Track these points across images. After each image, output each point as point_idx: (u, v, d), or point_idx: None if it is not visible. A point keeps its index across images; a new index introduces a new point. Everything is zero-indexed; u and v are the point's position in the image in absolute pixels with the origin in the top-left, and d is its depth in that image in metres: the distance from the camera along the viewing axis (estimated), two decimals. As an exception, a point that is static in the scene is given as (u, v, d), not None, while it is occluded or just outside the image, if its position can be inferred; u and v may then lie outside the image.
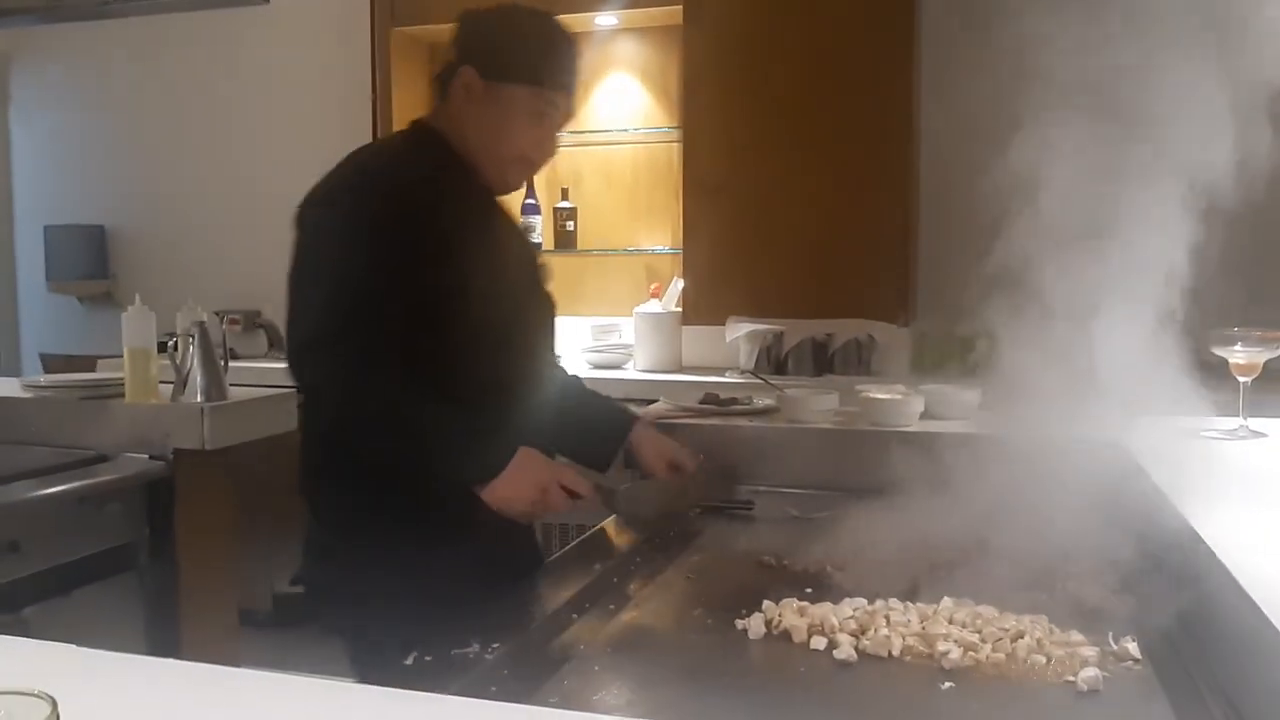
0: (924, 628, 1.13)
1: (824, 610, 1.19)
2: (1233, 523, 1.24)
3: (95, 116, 4.78)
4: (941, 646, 1.07)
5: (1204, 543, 1.18)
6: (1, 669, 0.84)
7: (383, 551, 1.47)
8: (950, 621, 1.15)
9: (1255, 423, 1.86)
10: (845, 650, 1.10)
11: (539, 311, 1.71)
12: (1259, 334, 1.79)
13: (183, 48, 4.51)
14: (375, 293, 1.41)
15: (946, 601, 1.21)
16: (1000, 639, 1.10)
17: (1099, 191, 1.47)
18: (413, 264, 1.43)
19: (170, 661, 0.86)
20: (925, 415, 2.02)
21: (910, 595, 1.24)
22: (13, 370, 4.80)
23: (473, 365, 1.50)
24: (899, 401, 1.99)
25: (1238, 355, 1.82)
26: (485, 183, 1.61)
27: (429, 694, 0.81)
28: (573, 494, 1.49)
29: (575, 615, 1.26)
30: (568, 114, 1.62)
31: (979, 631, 1.12)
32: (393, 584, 1.43)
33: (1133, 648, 1.11)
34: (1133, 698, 1.03)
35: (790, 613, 1.20)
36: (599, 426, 1.78)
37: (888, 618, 1.16)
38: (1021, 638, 1.10)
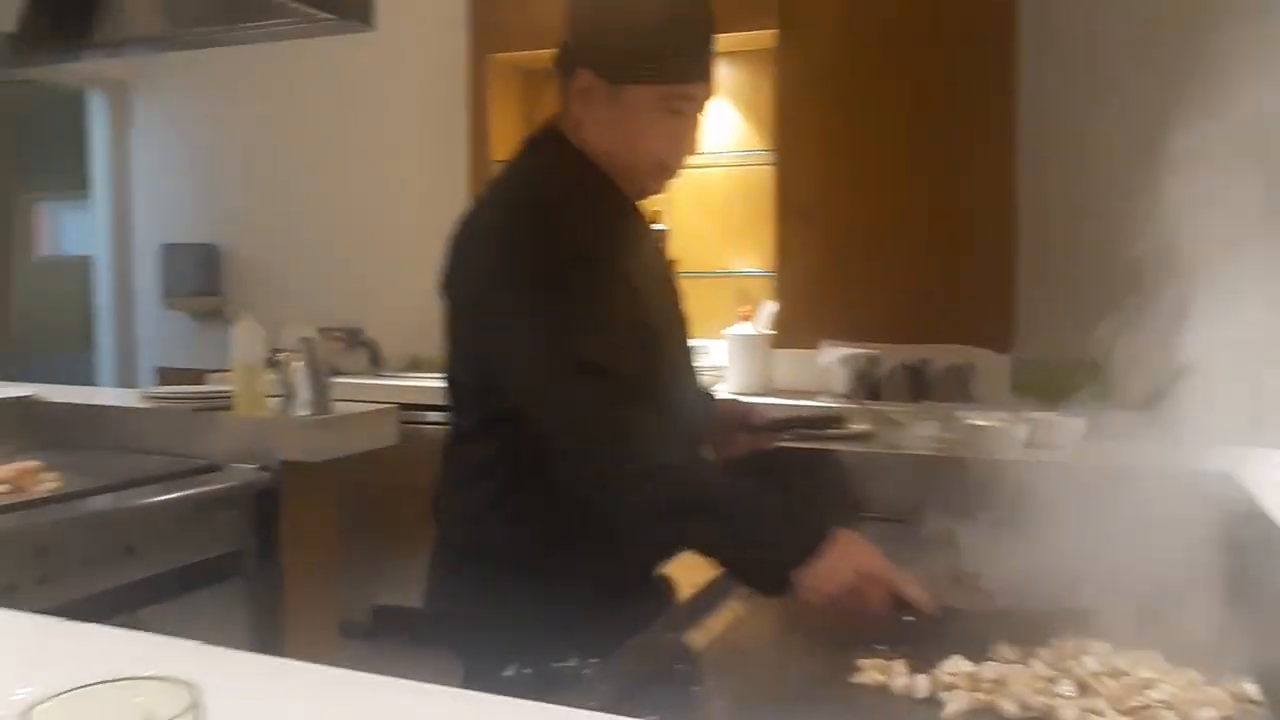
0: (1043, 684, 1.07)
1: (933, 674, 1.11)
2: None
3: (209, 140, 5.00)
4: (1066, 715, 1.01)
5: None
6: (132, 660, 0.89)
7: (524, 576, 1.39)
8: (1063, 671, 1.09)
9: (1380, 457, 1.78)
10: (951, 710, 1.04)
11: (682, 324, 1.61)
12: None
13: (290, 73, 4.68)
14: (601, 337, 1.30)
15: (1059, 647, 1.16)
16: (1119, 695, 1.03)
17: (1209, 215, 1.43)
18: (599, 300, 1.33)
19: (293, 662, 0.90)
20: (1028, 444, 1.98)
21: (1015, 633, 1.21)
22: (131, 382, 5.02)
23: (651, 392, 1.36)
24: (1001, 429, 1.96)
25: (1361, 386, 1.74)
26: (623, 191, 1.47)
27: (534, 703, 0.83)
28: (902, 602, 1.26)
29: (673, 634, 1.26)
30: (707, 99, 1.43)
31: (1099, 684, 1.06)
32: (520, 606, 1.37)
33: (1251, 689, 1.07)
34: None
35: (897, 674, 1.11)
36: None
37: (1000, 679, 1.08)
38: (1145, 689, 1.03)
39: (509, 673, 1.19)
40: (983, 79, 3.33)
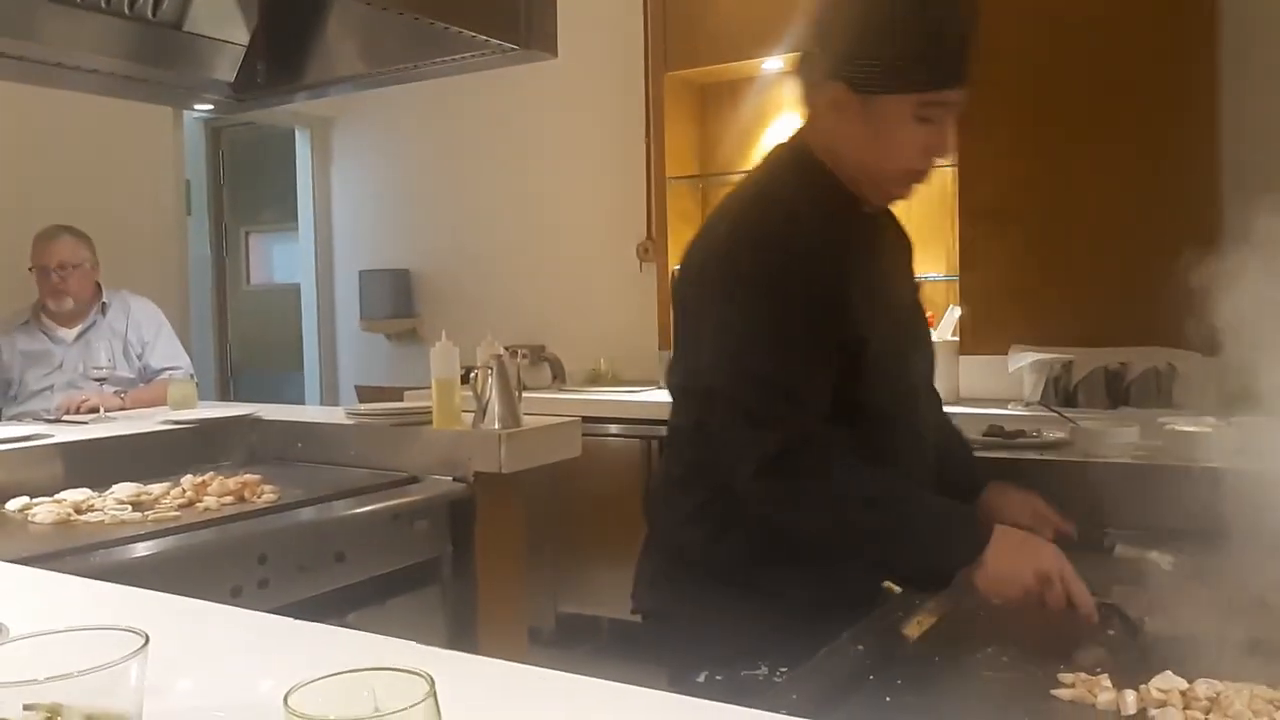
0: (1263, 705, 1.00)
1: (1141, 690, 1.06)
2: None
3: (401, 171, 5.28)
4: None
5: None
6: (352, 657, 0.96)
7: (740, 589, 1.40)
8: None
9: None
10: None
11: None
12: None
13: (475, 103, 4.90)
14: (817, 362, 1.32)
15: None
16: None
17: None
18: (837, 321, 1.34)
19: (502, 662, 0.94)
20: (1239, 450, 1.85)
21: (1228, 650, 1.14)
22: (332, 400, 5.35)
23: (883, 405, 1.40)
24: (1208, 435, 1.84)
25: None
26: (867, 201, 1.46)
27: (728, 705, 0.84)
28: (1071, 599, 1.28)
29: (861, 646, 1.25)
30: (961, 102, 1.38)
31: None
32: (725, 616, 1.38)
33: None
34: None
35: (1102, 688, 1.08)
36: (958, 474, 1.59)
37: (1215, 699, 1.02)
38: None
39: (700, 679, 1.21)
40: (1181, 70, 3.14)
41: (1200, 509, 1.62)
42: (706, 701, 0.84)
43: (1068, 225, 3.29)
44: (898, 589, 1.42)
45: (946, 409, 3.19)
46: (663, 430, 4.09)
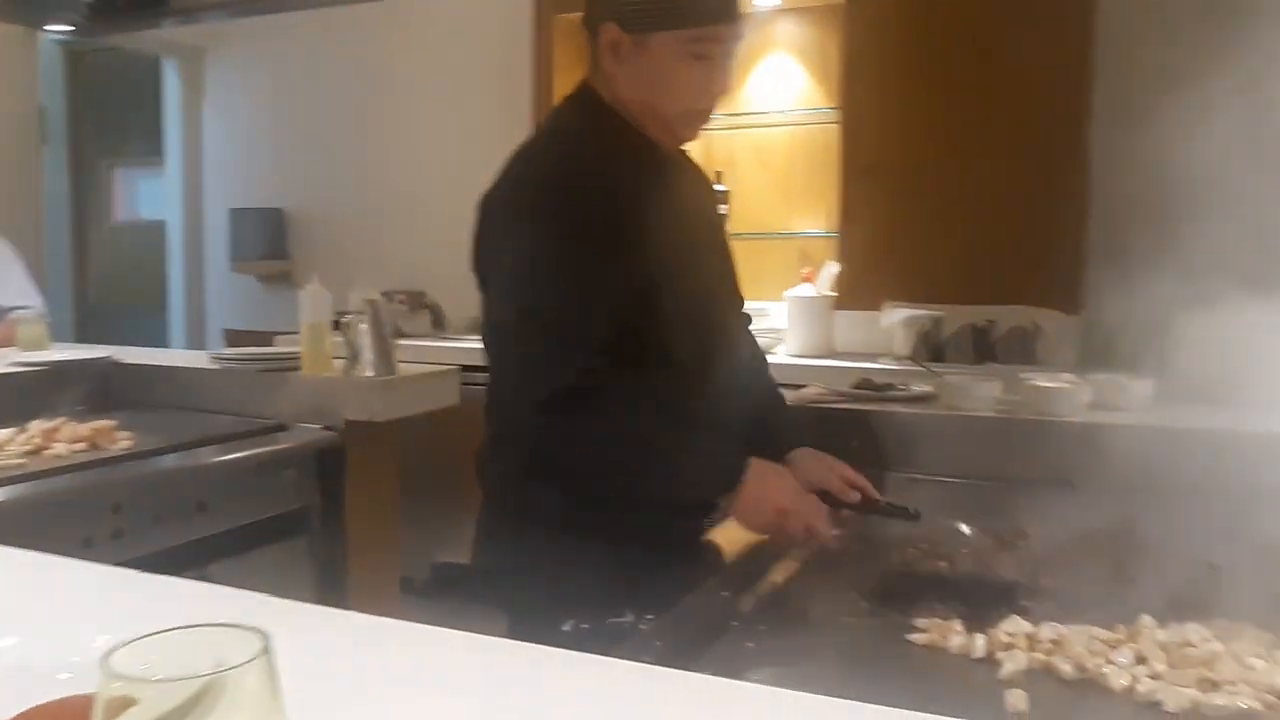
0: (1101, 647, 1.05)
1: (990, 634, 1.10)
2: None
3: (277, 106, 5.06)
4: (1115, 681, 0.99)
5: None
6: (201, 612, 0.92)
7: (561, 534, 1.41)
8: (1127, 637, 1.07)
9: None
10: (1008, 670, 1.03)
11: (728, 273, 1.62)
12: None
13: (355, 39, 4.72)
14: (600, 299, 1.34)
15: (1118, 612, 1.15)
16: (1180, 667, 1.00)
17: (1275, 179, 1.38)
18: (623, 259, 1.35)
19: (358, 614, 0.92)
20: (1095, 406, 1.94)
21: (1073, 596, 1.20)
22: (200, 344, 5.14)
23: (679, 346, 1.42)
24: (1066, 390, 1.92)
25: None
26: (658, 145, 1.48)
27: (590, 655, 0.84)
28: (813, 531, 1.39)
29: (726, 592, 1.27)
30: (736, 39, 1.41)
31: (1159, 652, 1.03)
32: (559, 557, 1.40)
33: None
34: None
35: (954, 633, 1.11)
36: (763, 431, 1.60)
37: (1058, 641, 1.07)
38: (1211, 663, 1.00)
39: (566, 628, 1.20)
40: (1056, 35, 3.23)
41: (1055, 460, 1.69)
42: (565, 651, 0.84)
43: (942, 187, 3.36)
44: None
45: (820, 362, 3.29)
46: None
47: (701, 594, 1.23)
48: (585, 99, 1.48)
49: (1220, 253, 1.46)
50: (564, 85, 4.17)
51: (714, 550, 1.52)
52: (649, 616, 1.13)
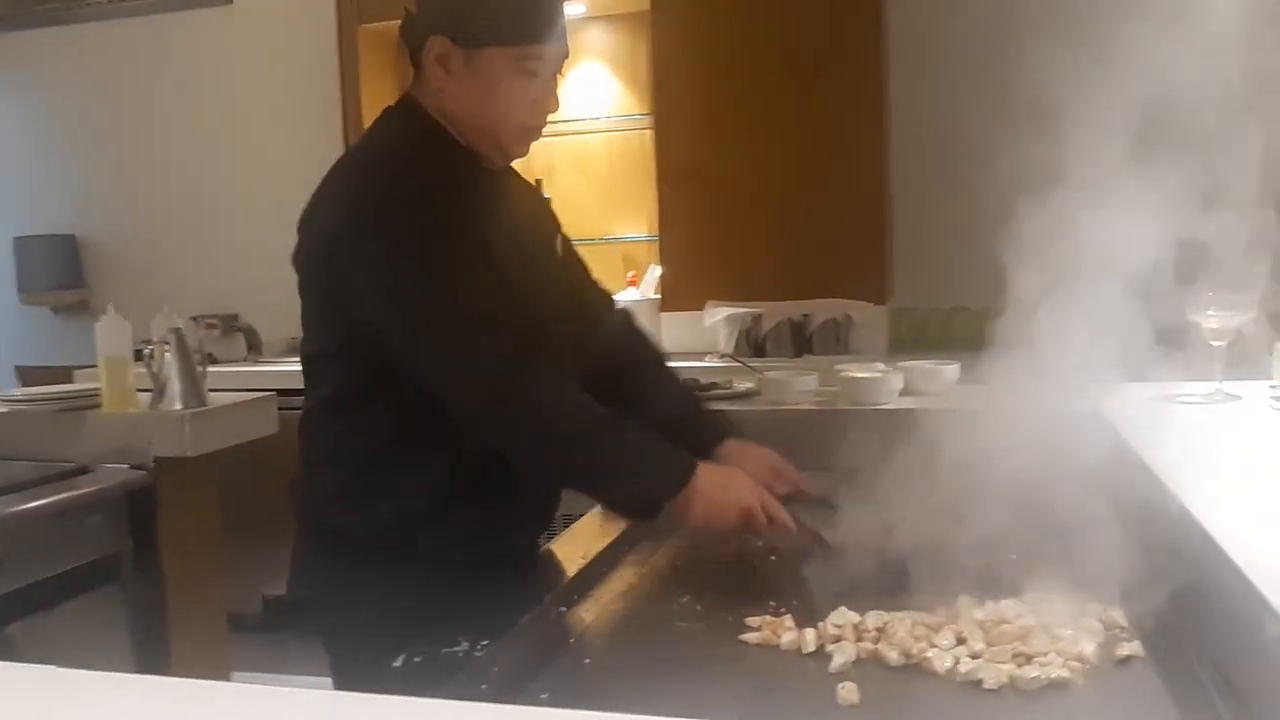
0: (924, 631, 1.09)
1: (820, 628, 1.13)
2: (1212, 486, 1.25)
3: (64, 126, 4.73)
4: (939, 663, 1.03)
5: (1185, 508, 1.19)
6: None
7: (373, 554, 1.40)
8: (946, 619, 1.12)
9: (1230, 386, 1.88)
10: (838, 662, 1.05)
11: (576, 282, 1.63)
12: (1232, 297, 1.80)
13: (147, 52, 4.46)
14: (494, 302, 1.33)
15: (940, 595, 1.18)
16: (996, 641, 1.06)
17: (1072, 162, 1.47)
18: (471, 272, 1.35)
19: (153, 678, 0.86)
20: (905, 392, 2.03)
21: (897, 581, 1.24)
22: (-12, 384, 4.75)
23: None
24: (878, 379, 2.00)
25: (1212, 320, 1.83)
26: (486, 159, 1.47)
27: (414, 699, 0.81)
28: (772, 521, 1.35)
29: (564, 608, 1.26)
30: (562, 58, 1.44)
31: (978, 633, 1.08)
32: (385, 588, 1.37)
33: (1119, 615, 1.12)
34: (1123, 665, 1.04)
35: (785, 629, 1.14)
36: (688, 432, 1.52)
37: (883, 628, 1.11)
38: (1024, 637, 1.06)
39: (397, 663, 1.16)
40: (854, 37, 3.37)
41: (870, 447, 1.75)
42: (388, 697, 0.80)
43: (755, 185, 3.45)
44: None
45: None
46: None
47: (537, 613, 1.22)
48: (409, 111, 1.46)
49: (1017, 239, 1.54)
50: (370, 96, 4.07)
51: (550, 563, 1.50)
52: (484, 643, 1.11)
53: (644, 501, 1.34)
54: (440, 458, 1.40)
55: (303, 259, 1.44)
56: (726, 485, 1.34)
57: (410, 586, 1.34)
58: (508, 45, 1.38)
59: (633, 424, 1.35)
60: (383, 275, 1.34)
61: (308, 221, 1.43)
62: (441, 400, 1.34)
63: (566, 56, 1.45)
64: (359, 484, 1.41)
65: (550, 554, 1.51)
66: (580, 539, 1.55)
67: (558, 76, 1.45)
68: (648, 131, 3.69)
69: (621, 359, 1.64)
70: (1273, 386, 1.90)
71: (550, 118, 1.48)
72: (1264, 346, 1.92)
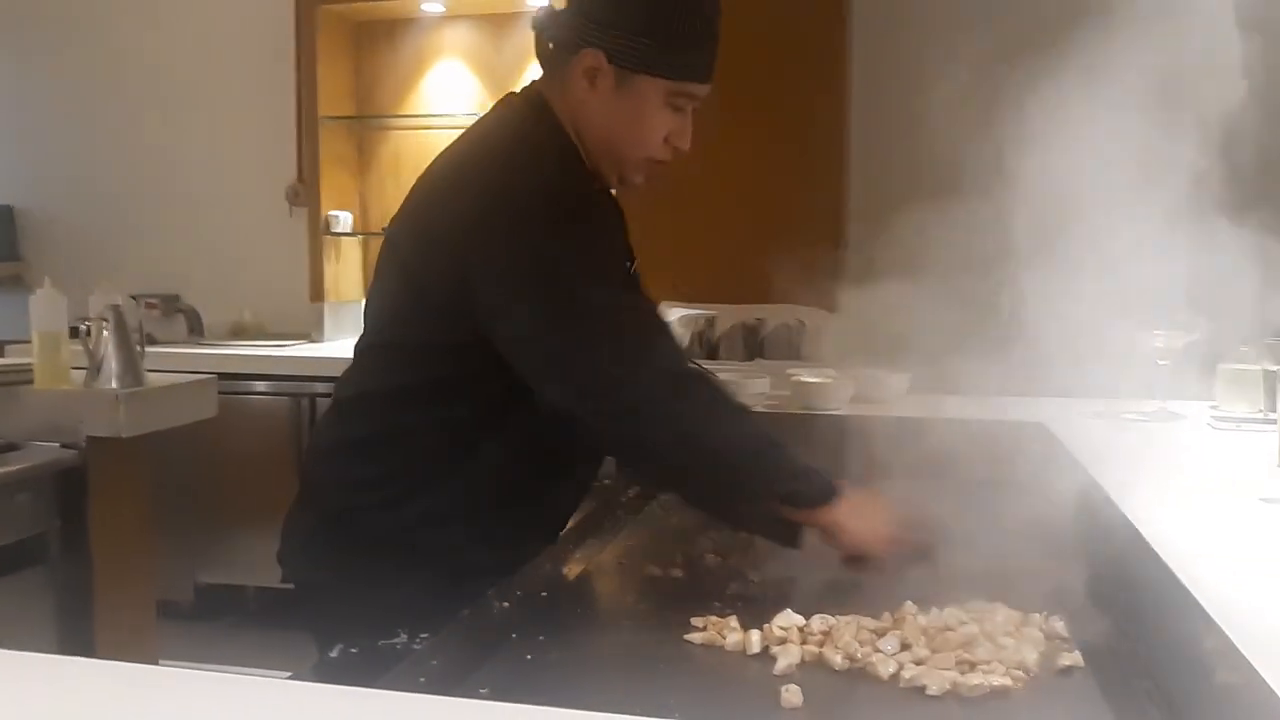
0: (869, 635, 1.08)
1: (765, 629, 1.11)
2: (1153, 501, 1.27)
3: (4, 90, 4.60)
4: (883, 668, 1.02)
5: (1129, 522, 1.20)
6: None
7: (391, 551, 1.38)
8: (892, 624, 1.11)
9: (1174, 405, 1.91)
10: (783, 664, 1.04)
11: None
12: (1179, 317, 1.84)
13: (97, 21, 4.36)
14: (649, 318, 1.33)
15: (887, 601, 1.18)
16: (941, 650, 1.05)
17: (1027, 178, 1.49)
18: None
19: (81, 660, 0.82)
20: (856, 399, 2.03)
21: (837, 588, 1.24)
22: (-85, 356, 4.60)
23: None
24: (829, 385, 2.00)
25: (1157, 339, 1.86)
26: (601, 176, 1.43)
27: (353, 688, 0.79)
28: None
29: (505, 603, 1.23)
30: (703, 99, 1.42)
31: (922, 639, 1.07)
32: (393, 584, 1.35)
33: (1060, 625, 1.13)
34: (1063, 675, 1.04)
35: (730, 630, 1.12)
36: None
37: (828, 632, 1.09)
38: (968, 644, 1.05)
39: (333, 654, 1.13)
40: (815, 35, 3.38)
41: (820, 451, 1.75)
42: (326, 686, 0.78)
43: (713, 187, 3.45)
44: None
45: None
46: (317, 387, 3.84)
47: (479, 607, 1.19)
48: (541, 111, 1.41)
49: (968, 252, 1.55)
50: (328, 77, 4.01)
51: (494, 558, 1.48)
52: (422, 635, 1.08)
53: (793, 521, 1.27)
54: (482, 469, 1.38)
55: (411, 241, 1.39)
56: (870, 504, 1.28)
57: (416, 586, 1.31)
58: (667, 79, 1.34)
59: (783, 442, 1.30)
60: (532, 277, 1.28)
61: (425, 204, 1.39)
62: (571, 411, 1.28)
63: (704, 96, 1.42)
64: (400, 478, 1.38)
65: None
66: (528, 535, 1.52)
67: (690, 120, 1.42)
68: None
69: None
70: (1213, 407, 1.94)
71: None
72: (1208, 368, 1.96)
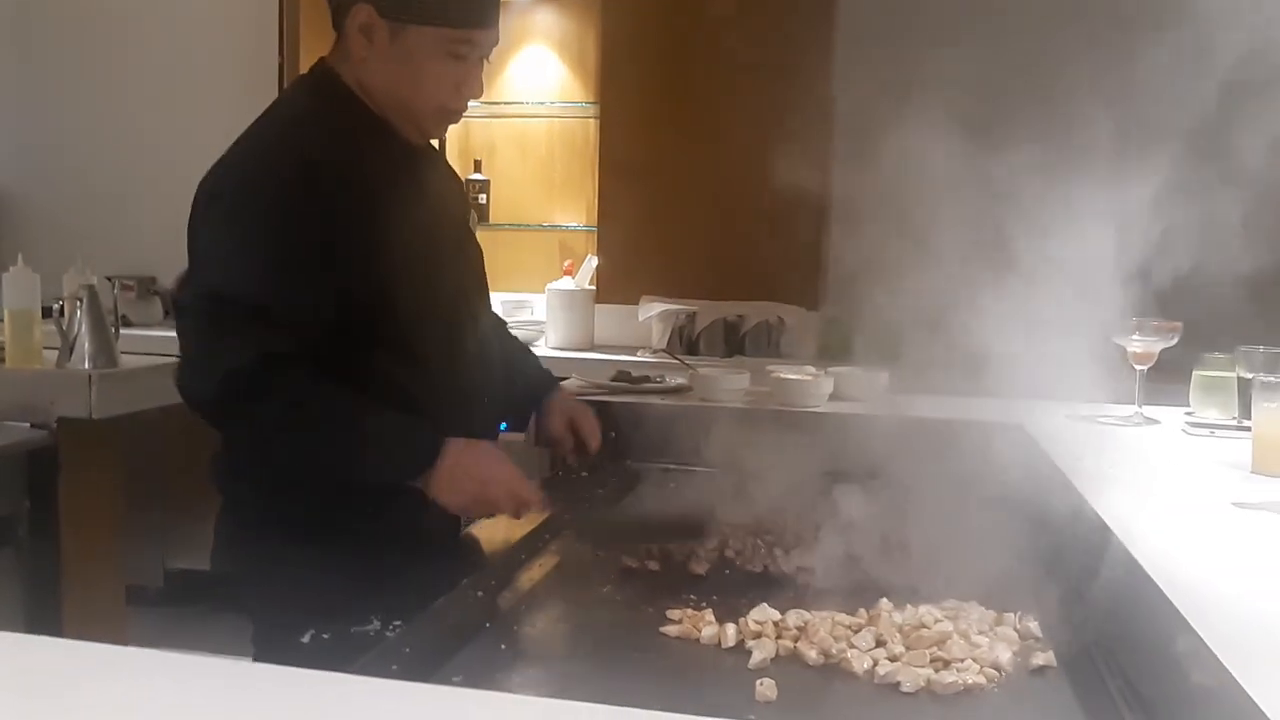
0: (844, 632, 1.08)
1: (741, 623, 1.12)
2: (1128, 504, 1.27)
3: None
4: (857, 665, 1.03)
5: (1104, 524, 1.20)
6: None
7: (296, 530, 1.35)
8: (868, 620, 1.12)
9: (1149, 410, 1.93)
10: (758, 658, 1.04)
11: (469, 267, 1.58)
12: (1155, 324, 1.85)
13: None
14: (279, 289, 1.28)
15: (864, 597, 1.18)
16: (916, 648, 1.05)
17: (1007, 183, 1.49)
18: (325, 246, 1.31)
19: (55, 640, 0.81)
20: (834, 396, 2.04)
21: (811, 582, 1.24)
22: (-116, 333, 4.53)
23: (407, 337, 1.39)
24: (809, 382, 2.00)
25: (1135, 344, 1.87)
26: (400, 136, 1.43)
27: (326, 673, 0.78)
28: (521, 500, 1.36)
29: (480, 592, 1.23)
30: (492, 45, 1.41)
31: (896, 635, 1.07)
32: (303, 562, 1.32)
33: (1034, 626, 1.13)
34: (1036, 674, 1.05)
35: (706, 623, 1.12)
36: (520, 388, 1.67)
37: (803, 627, 1.10)
38: (942, 642, 1.05)
39: (305, 639, 1.12)
40: (805, 42, 3.38)
41: (798, 447, 1.75)
42: (300, 670, 0.77)
43: (697, 183, 3.45)
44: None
45: (580, 355, 3.30)
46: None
47: (454, 595, 1.19)
48: (321, 79, 1.43)
49: (946, 254, 1.56)
50: (310, 60, 3.96)
51: (472, 546, 1.47)
52: (396, 623, 1.07)
53: (393, 482, 1.33)
54: None
55: (196, 231, 1.40)
56: (462, 459, 1.32)
57: (327, 565, 1.28)
58: (439, 26, 1.34)
59: (377, 410, 1.34)
60: (211, 234, 1.34)
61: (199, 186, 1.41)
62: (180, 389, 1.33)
63: (497, 43, 1.42)
64: (245, 457, 1.39)
65: (470, 537, 1.48)
66: (503, 523, 1.52)
67: (483, 63, 1.42)
68: (592, 121, 3.66)
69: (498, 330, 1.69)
70: (1188, 413, 1.95)
71: (493, 98, 1.46)
72: (1183, 374, 1.97)
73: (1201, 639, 0.84)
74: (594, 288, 3.55)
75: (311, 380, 1.31)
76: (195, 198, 1.38)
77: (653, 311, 3.40)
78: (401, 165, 1.44)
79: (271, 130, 1.40)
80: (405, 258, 1.38)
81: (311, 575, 1.29)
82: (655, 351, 3.25)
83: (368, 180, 1.37)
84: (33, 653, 0.81)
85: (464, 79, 1.39)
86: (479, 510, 1.39)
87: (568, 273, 3.56)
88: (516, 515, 1.38)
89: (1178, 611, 0.92)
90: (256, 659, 1.26)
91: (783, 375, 2.03)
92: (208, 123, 4.20)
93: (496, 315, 1.72)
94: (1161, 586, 0.98)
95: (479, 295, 1.59)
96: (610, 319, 3.57)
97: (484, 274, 1.62)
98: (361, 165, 1.38)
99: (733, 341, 3.33)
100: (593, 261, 3.56)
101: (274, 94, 4.01)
